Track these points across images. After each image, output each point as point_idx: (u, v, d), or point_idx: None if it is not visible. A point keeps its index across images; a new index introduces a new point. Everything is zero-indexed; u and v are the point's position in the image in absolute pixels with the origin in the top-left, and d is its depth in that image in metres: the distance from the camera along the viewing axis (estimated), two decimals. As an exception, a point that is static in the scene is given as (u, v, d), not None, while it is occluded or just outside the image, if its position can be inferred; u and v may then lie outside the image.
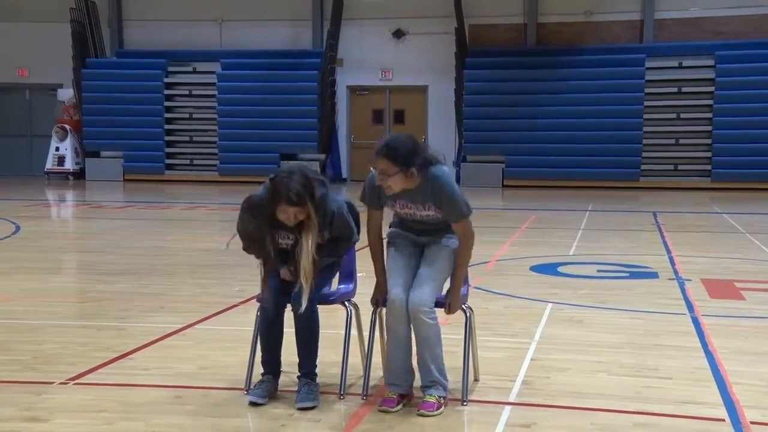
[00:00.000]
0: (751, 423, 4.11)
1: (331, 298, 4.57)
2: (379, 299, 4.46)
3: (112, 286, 7.80)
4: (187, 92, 23.37)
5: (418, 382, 4.38)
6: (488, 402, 4.42)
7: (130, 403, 4.37)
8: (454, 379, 4.44)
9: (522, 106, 21.55)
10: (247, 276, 7.07)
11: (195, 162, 23.22)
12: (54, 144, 23.14)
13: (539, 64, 22.02)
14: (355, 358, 4.69)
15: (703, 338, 5.83)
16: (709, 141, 20.94)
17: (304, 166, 4.37)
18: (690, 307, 6.92)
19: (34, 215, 14.53)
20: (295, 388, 4.37)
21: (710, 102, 20.97)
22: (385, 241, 4.52)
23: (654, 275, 8.55)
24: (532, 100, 21.56)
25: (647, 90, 21.20)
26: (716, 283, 8.02)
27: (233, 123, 22.55)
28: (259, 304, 4.48)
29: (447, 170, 4.34)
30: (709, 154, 20.89)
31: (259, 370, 4.46)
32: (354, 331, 4.64)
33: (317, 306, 4.36)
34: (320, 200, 4.26)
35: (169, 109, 23.25)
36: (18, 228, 12.15)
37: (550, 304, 6.97)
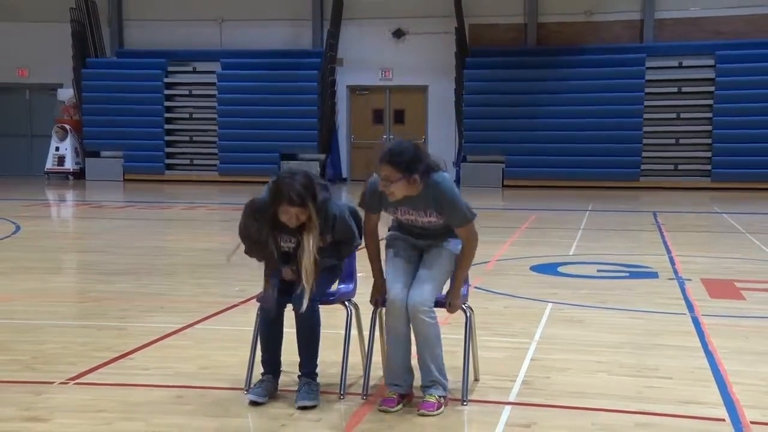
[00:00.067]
0: (751, 423, 4.11)
1: (332, 298, 4.57)
2: (379, 299, 4.47)
3: (112, 286, 7.80)
4: (187, 92, 23.35)
5: (418, 381, 4.38)
6: (488, 402, 4.42)
7: (130, 403, 4.37)
8: (454, 379, 4.44)
9: (522, 106, 21.52)
10: (247, 276, 7.07)
11: (195, 162, 23.20)
12: (54, 144, 23.12)
13: (539, 64, 22.00)
14: (355, 358, 4.70)
15: (703, 338, 5.83)
16: (709, 141, 20.92)
17: (307, 170, 4.39)
18: (690, 307, 6.92)
19: (34, 215, 14.52)
20: (295, 388, 4.37)
21: (710, 102, 20.95)
22: (382, 243, 4.53)
23: (654, 275, 8.55)
24: (532, 100, 21.54)
25: (647, 90, 21.17)
26: (716, 283, 8.02)
27: (233, 123, 22.52)
28: (259, 304, 4.49)
29: (448, 177, 4.37)
30: (709, 154, 20.87)
31: (259, 369, 4.46)
32: (354, 331, 4.64)
33: (318, 306, 4.36)
34: (322, 203, 4.27)
35: (169, 109, 23.23)
36: (18, 228, 12.15)
37: (550, 304, 6.97)
